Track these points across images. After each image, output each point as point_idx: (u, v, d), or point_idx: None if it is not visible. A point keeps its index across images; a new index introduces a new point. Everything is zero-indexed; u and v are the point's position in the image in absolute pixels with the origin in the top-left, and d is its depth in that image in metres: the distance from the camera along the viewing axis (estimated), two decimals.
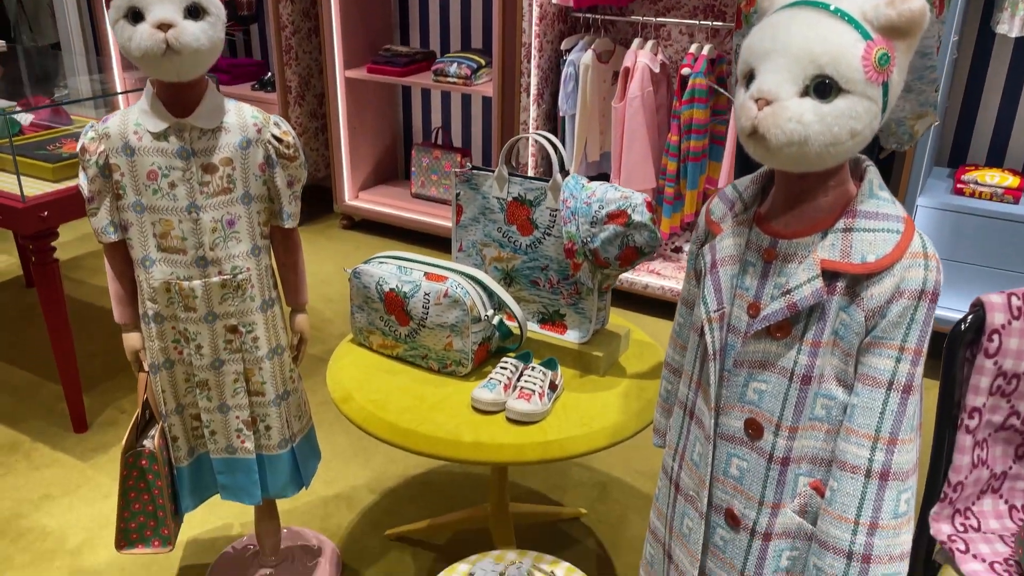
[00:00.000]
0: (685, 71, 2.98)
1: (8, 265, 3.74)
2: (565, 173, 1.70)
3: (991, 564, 1.34)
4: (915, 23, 0.93)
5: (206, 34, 1.37)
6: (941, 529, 1.39)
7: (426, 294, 1.68)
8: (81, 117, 2.95)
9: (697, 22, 3.08)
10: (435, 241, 3.91)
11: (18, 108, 2.89)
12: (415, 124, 4.31)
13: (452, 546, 2.11)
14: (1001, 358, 1.33)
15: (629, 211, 1.60)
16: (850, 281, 1.02)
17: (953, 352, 1.35)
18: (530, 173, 3.40)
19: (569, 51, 3.25)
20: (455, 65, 3.59)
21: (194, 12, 1.36)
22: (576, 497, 2.30)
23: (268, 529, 1.93)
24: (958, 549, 1.36)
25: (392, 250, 2.20)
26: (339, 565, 2.03)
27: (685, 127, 3.02)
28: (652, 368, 1.77)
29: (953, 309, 2.81)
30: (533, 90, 3.28)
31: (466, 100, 4.07)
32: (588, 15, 3.23)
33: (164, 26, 1.33)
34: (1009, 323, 1.33)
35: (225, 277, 1.55)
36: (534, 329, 1.83)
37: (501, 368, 1.66)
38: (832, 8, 0.94)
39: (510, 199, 1.77)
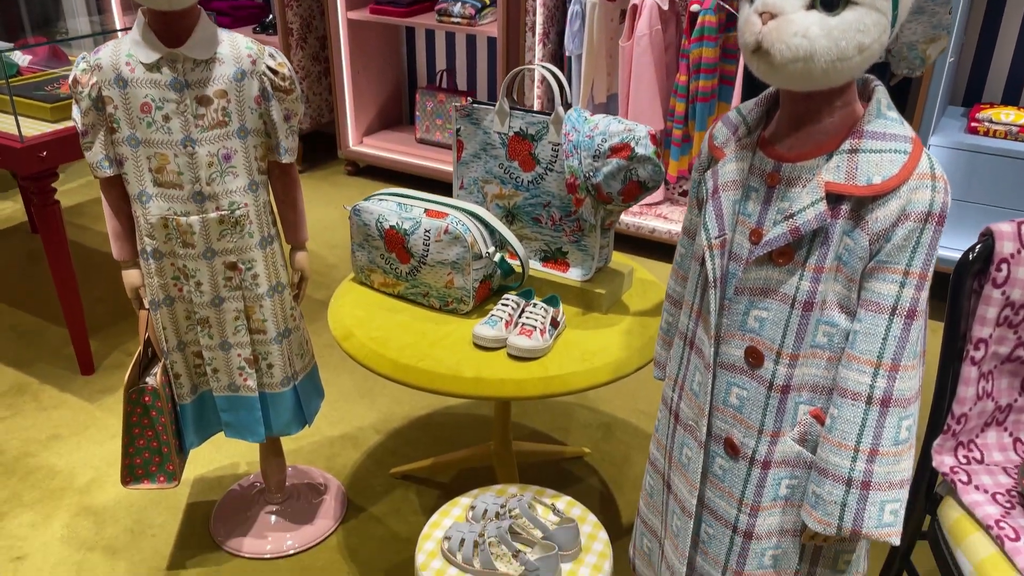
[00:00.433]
0: (695, 7, 2.90)
1: (13, 211, 3.74)
2: (568, 106, 1.66)
3: (993, 495, 1.33)
4: None
5: None
6: (944, 461, 1.38)
7: (426, 231, 1.66)
8: None
9: None
10: (440, 187, 3.87)
11: (15, 48, 2.86)
12: (419, 67, 4.24)
13: (456, 484, 2.13)
14: (1009, 288, 1.31)
15: (632, 144, 1.57)
16: (855, 204, 1.00)
17: (960, 282, 1.32)
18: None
19: None
20: (459, 4, 3.52)
21: None
22: (580, 437, 2.31)
23: (273, 467, 1.95)
24: (960, 480, 1.35)
25: None
26: (344, 502, 2.05)
27: (694, 66, 2.95)
28: (655, 306, 1.75)
29: (963, 251, 2.77)
30: (539, 29, 3.21)
31: (471, 41, 4.00)
32: None
33: None
34: (1018, 252, 1.30)
35: (223, 213, 1.53)
36: (536, 267, 1.81)
37: (502, 305, 1.64)
38: None
39: (511, 134, 1.74)
